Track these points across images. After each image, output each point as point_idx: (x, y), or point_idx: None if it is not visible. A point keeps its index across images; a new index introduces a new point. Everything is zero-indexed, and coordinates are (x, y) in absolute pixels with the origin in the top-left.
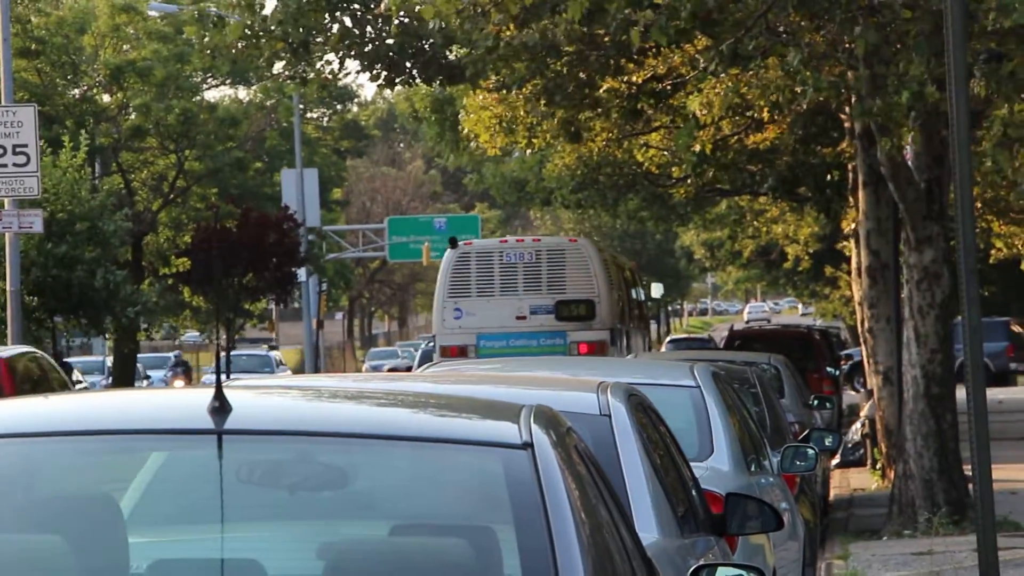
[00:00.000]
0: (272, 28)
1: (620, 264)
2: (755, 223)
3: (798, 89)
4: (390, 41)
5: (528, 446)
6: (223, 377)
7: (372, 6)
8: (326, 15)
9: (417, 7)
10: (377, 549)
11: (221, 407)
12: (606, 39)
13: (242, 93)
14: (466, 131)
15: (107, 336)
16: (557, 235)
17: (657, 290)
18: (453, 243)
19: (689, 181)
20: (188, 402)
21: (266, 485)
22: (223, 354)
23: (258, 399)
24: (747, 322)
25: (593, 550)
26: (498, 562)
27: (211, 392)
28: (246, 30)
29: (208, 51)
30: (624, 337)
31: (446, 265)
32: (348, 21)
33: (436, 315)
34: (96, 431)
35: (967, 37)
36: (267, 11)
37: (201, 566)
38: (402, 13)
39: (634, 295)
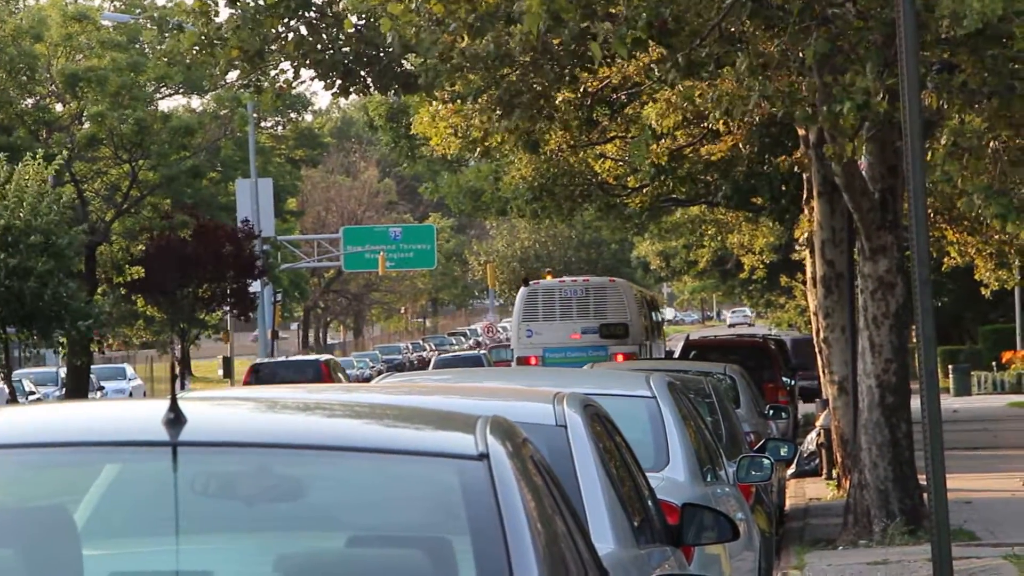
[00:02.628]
0: (227, 36)
1: (645, 295)
2: (710, 232)
3: (751, 94)
4: (345, 49)
5: (484, 457)
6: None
7: (328, 12)
8: (281, 23)
9: (373, 14)
10: (334, 560)
11: (176, 419)
12: (560, 48)
13: (196, 102)
14: (417, 130)
15: (58, 350)
16: (601, 277)
17: (670, 313)
18: (526, 282)
19: (645, 191)
20: (143, 414)
21: (221, 497)
22: None
23: (213, 411)
24: (730, 325)
25: (549, 560)
26: (454, 573)
27: (166, 404)
28: (201, 37)
29: (164, 58)
30: (648, 349)
31: (521, 298)
32: (303, 29)
33: (513, 334)
34: (50, 443)
35: (919, 47)
36: (222, 19)
37: None
38: (360, 22)
39: (655, 317)
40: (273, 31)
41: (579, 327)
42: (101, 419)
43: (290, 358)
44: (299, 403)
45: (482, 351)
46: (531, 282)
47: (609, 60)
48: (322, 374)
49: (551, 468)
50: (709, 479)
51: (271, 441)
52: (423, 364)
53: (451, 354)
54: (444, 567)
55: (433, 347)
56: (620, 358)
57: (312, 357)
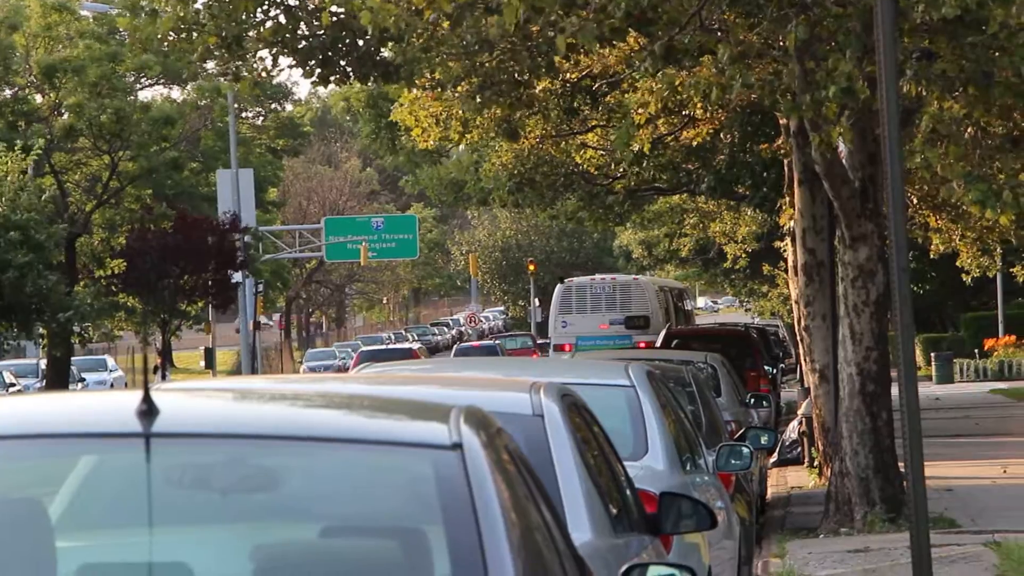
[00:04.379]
0: (204, 21)
1: (669, 288)
2: (692, 220)
3: (733, 84)
4: (323, 37)
5: (457, 447)
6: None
7: (305, 0)
8: (258, 9)
9: (351, 4)
10: (307, 551)
11: (149, 410)
12: (538, 36)
13: (176, 93)
14: (397, 121)
15: (38, 342)
16: (624, 273)
17: (701, 301)
18: (561, 280)
19: (627, 177)
20: (117, 405)
21: (195, 488)
22: None
23: (187, 401)
24: (747, 310)
25: (523, 550)
26: (428, 563)
27: (140, 394)
28: (179, 23)
29: (140, 44)
30: None
31: (557, 294)
32: (281, 17)
33: (551, 324)
34: (22, 435)
35: (897, 34)
36: (199, 3)
37: (129, 570)
38: (339, 10)
39: (686, 307)
40: (250, 17)
41: (607, 319)
42: (74, 410)
43: (390, 346)
44: (273, 393)
45: (495, 341)
46: (566, 280)
47: (583, 50)
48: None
49: (526, 458)
50: (688, 468)
51: (245, 432)
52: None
53: (468, 343)
54: (418, 557)
55: (415, 337)
56: (642, 345)
57: (407, 345)
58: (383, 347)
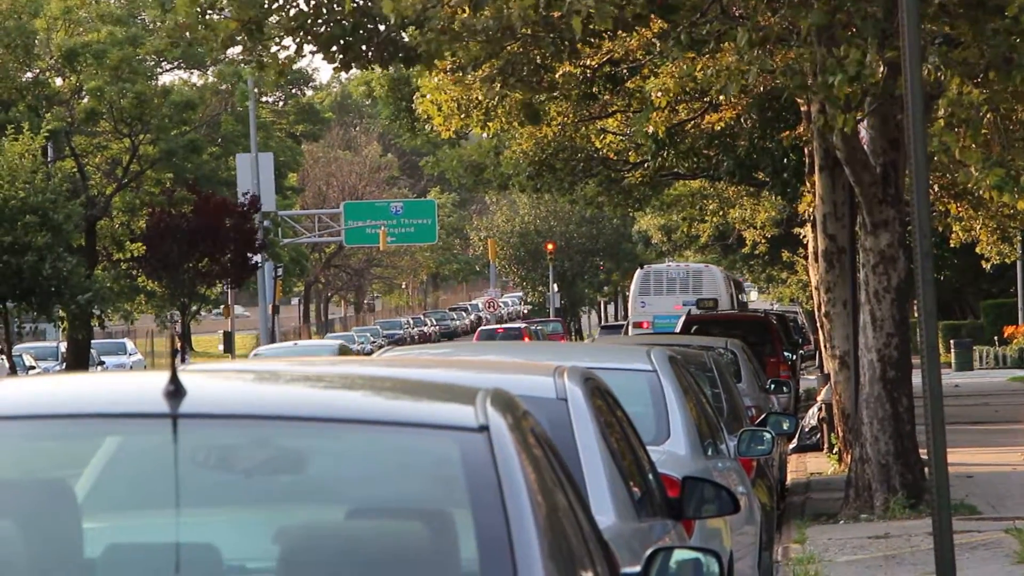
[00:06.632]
0: (224, 9)
1: (733, 279)
2: (712, 206)
3: (751, 68)
4: (345, 24)
5: (484, 429)
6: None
7: None
8: None
9: None
10: (333, 533)
11: (176, 391)
12: (561, 22)
13: (196, 77)
14: (420, 111)
15: (58, 324)
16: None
17: (754, 294)
18: (641, 265)
19: (647, 165)
20: (143, 386)
21: (222, 469)
22: None
23: (214, 382)
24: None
25: (549, 533)
26: (454, 545)
27: (167, 375)
28: (196, 11)
29: (166, 35)
30: None
31: (637, 278)
32: (302, 3)
33: (631, 304)
34: (50, 415)
35: (920, 19)
36: None
37: (156, 550)
38: None
39: (741, 298)
40: (271, 4)
41: (680, 300)
42: (101, 391)
43: (503, 326)
44: (299, 375)
45: (536, 326)
46: (645, 265)
47: (610, 34)
48: (523, 338)
49: (552, 441)
50: (710, 453)
51: (271, 413)
52: (424, 339)
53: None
54: (444, 539)
55: (434, 322)
56: None
57: (517, 325)
58: (495, 328)
